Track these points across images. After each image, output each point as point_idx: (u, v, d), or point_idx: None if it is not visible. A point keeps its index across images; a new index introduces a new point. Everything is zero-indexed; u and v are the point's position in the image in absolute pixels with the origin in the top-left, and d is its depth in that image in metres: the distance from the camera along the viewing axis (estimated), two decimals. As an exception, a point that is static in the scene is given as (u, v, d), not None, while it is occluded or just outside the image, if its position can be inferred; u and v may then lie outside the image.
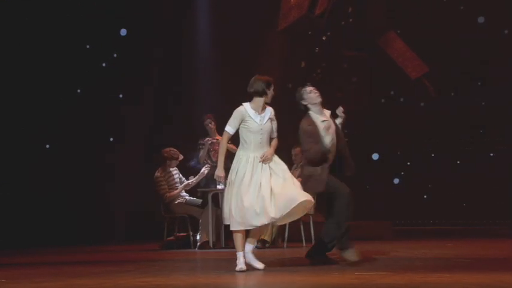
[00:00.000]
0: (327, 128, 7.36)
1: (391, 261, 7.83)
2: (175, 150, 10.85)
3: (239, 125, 7.19)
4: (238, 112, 7.17)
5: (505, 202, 13.49)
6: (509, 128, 14.02)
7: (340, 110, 7.72)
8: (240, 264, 7.03)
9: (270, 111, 7.24)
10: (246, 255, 7.12)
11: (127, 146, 12.80)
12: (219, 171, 7.25)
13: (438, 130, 14.42)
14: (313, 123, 7.43)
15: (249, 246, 7.18)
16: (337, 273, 6.58)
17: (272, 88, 7.20)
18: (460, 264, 7.34)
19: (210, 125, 10.92)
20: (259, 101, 7.17)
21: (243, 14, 13.26)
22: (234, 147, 10.87)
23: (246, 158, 7.10)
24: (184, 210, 10.77)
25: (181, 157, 10.86)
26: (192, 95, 13.51)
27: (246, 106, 7.17)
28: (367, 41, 14.40)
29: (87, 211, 12.20)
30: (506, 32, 14.30)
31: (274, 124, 7.29)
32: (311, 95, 7.51)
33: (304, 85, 7.65)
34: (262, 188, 6.96)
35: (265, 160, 7.07)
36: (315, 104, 7.52)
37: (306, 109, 7.57)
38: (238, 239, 7.11)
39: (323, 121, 7.47)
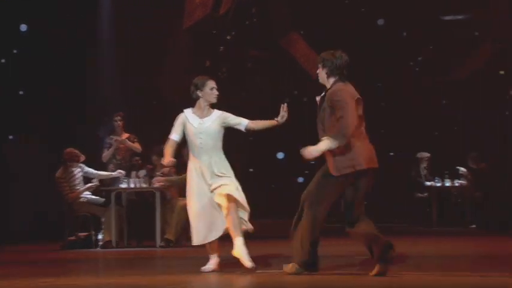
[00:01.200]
0: None
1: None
2: (76, 152, 10.65)
3: (181, 131, 6.91)
4: (177, 118, 6.95)
5: (402, 202, 13.94)
6: (407, 129, 14.45)
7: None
8: (208, 265, 6.82)
9: (216, 114, 6.92)
10: (239, 248, 6.68)
11: (29, 144, 12.53)
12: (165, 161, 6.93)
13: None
14: None
15: (239, 241, 6.71)
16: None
17: (209, 87, 6.87)
18: (358, 262, 7.49)
19: (118, 122, 10.85)
20: (197, 103, 6.94)
21: (148, 13, 13.18)
22: (137, 146, 10.85)
23: (194, 169, 6.84)
24: (86, 209, 10.63)
25: (82, 158, 10.67)
26: (97, 93, 13.34)
27: (186, 111, 6.95)
28: (271, 41, 14.55)
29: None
30: (404, 34, 14.74)
31: (231, 117, 6.95)
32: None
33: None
34: (209, 201, 6.74)
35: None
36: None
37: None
38: (206, 247, 6.88)
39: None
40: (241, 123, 6.96)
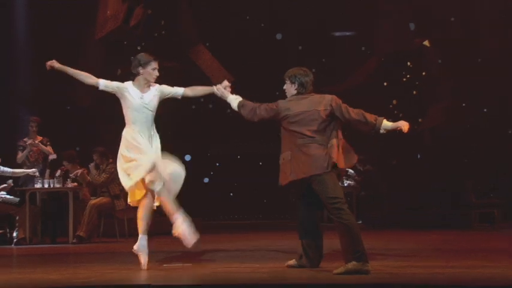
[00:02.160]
0: None
1: (195, 254, 7.96)
2: None
3: (110, 89, 6.51)
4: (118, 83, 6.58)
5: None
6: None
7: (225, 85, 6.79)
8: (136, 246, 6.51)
9: (155, 88, 6.58)
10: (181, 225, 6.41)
11: None
12: None
13: (243, 134, 14.80)
14: None
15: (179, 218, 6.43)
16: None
17: (151, 67, 6.52)
18: (256, 255, 7.58)
19: (33, 126, 10.65)
20: (137, 79, 6.57)
21: (59, 24, 12.94)
22: (49, 150, 10.64)
23: (133, 136, 6.45)
24: (1, 208, 10.36)
25: None
26: (13, 96, 13.01)
27: (127, 83, 6.57)
28: (179, 52, 14.53)
29: None
30: (300, 47, 15.01)
31: (167, 88, 6.63)
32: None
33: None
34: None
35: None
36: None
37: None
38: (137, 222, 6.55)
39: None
40: (178, 92, 6.68)
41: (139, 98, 6.50)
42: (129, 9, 13.15)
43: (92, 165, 10.55)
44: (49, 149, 10.74)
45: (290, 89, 6.37)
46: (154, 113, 6.59)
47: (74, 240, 9.96)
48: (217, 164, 15.00)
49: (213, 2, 14.35)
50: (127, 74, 13.84)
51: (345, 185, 13.65)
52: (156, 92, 6.59)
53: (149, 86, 6.58)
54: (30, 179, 10.42)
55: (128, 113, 6.53)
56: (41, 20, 13.18)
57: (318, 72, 14.95)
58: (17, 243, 10.06)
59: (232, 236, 11.12)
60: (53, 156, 10.63)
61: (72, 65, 7.01)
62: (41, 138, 10.72)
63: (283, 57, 14.55)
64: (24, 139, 10.69)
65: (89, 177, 10.46)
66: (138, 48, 14.39)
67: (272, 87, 15.02)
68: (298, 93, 6.30)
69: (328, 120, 6.16)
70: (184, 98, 6.80)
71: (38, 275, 6.18)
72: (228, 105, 6.56)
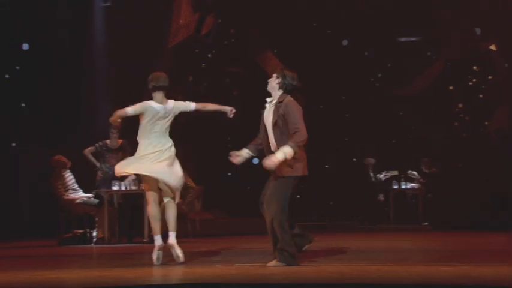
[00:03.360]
0: None
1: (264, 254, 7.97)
2: (64, 158, 10.69)
3: (137, 112, 7.04)
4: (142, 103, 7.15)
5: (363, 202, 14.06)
6: (369, 138, 14.57)
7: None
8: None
9: (172, 102, 7.14)
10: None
11: (28, 150, 12.47)
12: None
13: (309, 138, 14.75)
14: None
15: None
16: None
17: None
18: (320, 254, 7.54)
19: (114, 134, 10.75)
20: (154, 95, 7.13)
21: (135, 34, 13.17)
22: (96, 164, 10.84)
23: (151, 146, 7.05)
24: (82, 209, 10.64)
25: (68, 164, 10.69)
26: (92, 108, 13.31)
27: (149, 102, 7.12)
28: (247, 59, 14.60)
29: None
30: (366, 53, 14.88)
31: (181, 103, 7.18)
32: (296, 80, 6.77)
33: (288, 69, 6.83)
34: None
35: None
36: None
37: (293, 90, 6.70)
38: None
39: None
40: (189, 106, 7.20)
41: (159, 110, 7.03)
42: (200, 19, 13.30)
43: None
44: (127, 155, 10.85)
45: (273, 83, 6.67)
46: (169, 123, 7.11)
47: (145, 240, 10.11)
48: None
49: (280, 11, 14.36)
50: (197, 81, 14.15)
51: (408, 186, 13.49)
52: (173, 105, 7.13)
53: (166, 100, 7.11)
54: (107, 181, 10.62)
55: (148, 125, 7.04)
56: (117, 29, 13.44)
57: (384, 77, 14.98)
58: (96, 243, 10.29)
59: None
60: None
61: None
62: (122, 141, 10.83)
63: (349, 63, 14.47)
64: (106, 142, 10.85)
65: None
66: (209, 55, 14.55)
67: (338, 92, 15.03)
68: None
69: None
70: (197, 111, 7.31)
71: (115, 273, 6.29)
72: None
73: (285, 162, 6.36)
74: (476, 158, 13.89)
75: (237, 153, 6.78)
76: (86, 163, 10.87)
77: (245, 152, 6.78)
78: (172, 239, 7.01)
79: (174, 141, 7.15)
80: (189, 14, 13.50)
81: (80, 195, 10.70)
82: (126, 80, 12.93)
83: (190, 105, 7.18)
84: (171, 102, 7.11)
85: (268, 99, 6.66)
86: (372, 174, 13.87)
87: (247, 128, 14.09)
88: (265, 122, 6.62)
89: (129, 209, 10.63)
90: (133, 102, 7.26)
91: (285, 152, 6.31)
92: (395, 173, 13.51)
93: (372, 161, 13.88)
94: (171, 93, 7.36)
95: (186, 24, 13.54)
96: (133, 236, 10.58)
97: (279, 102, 6.52)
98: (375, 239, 10.24)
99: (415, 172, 13.36)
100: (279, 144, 6.42)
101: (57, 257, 8.61)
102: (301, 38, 14.48)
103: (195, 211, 10.70)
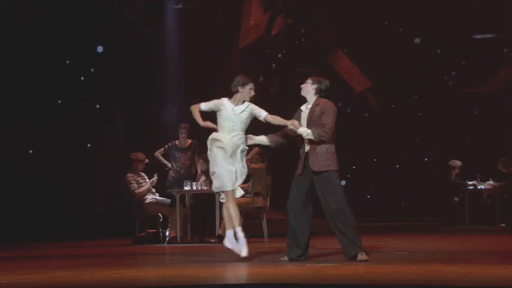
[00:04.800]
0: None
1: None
2: (141, 154, 10.84)
3: (210, 108, 7.28)
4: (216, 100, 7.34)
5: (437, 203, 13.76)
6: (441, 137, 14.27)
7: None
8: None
9: (245, 105, 7.25)
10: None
11: (104, 150, 12.70)
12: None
13: (380, 137, 14.55)
14: None
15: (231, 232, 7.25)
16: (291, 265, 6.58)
17: (249, 87, 7.23)
18: (397, 257, 7.38)
19: (183, 133, 10.88)
20: (234, 96, 7.27)
21: (206, 35, 13.24)
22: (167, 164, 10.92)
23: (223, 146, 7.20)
24: (155, 209, 10.73)
25: (146, 160, 10.83)
26: (163, 106, 13.45)
27: (224, 99, 7.29)
28: (317, 59, 14.49)
29: (68, 210, 12.05)
30: (439, 51, 14.55)
31: (255, 108, 7.25)
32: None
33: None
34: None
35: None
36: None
37: (328, 95, 7.12)
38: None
39: None
40: (261, 114, 7.24)
41: (232, 109, 7.20)
42: (270, 19, 13.28)
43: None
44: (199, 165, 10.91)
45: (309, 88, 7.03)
46: (243, 124, 7.24)
47: (212, 240, 10.12)
48: (354, 167, 14.81)
49: (351, 9, 14.20)
50: (268, 82, 14.13)
51: (483, 187, 13.14)
52: (247, 108, 7.25)
53: (242, 102, 7.25)
54: (179, 181, 10.70)
55: (220, 122, 7.26)
56: (189, 30, 13.54)
57: (458, 75, 14.63)
58: (169, 242, 10.36)
59: (371, 237, 10.90)
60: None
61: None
62: (190, 141, 10.96)
63: (422, 62, 14.18)
64: (175, 142, 10.97)
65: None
66: (279, 56, 14.50)
67: (411, 91, 14.75)
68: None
69: None
70: (266, 121, 7.30)
71: (189, 272, 6.29)
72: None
73: (327, 158, 6.75)
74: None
75: (253, 136, 7.17)
76: (157, 165, 10.98)
77: (261, 138, 7.18)
78: (239, 233, 7.18)
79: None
80: (260, 15, 13.50)
81: (152, 197, 10.77)
82: (197, 81, 13.01)
83: (262, 113, 7.25)
84: (245, 104, 7.24)
85: (303, 106, 7.01)
86: (453, 176, 13.40)
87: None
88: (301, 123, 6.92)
89: (200, 209, 10.68)
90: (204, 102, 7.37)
91: (308, 133, 6.77)
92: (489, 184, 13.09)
93: (458, 163, 13.44)
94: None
95: (256, 24, 13.55)
96: (205, 235, 10.61)
97: (316, 105, 6.88)
98: (450, 239, 9.97)
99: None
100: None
101: (131, 255, 8.69)
102: (372, 36, 14.29)
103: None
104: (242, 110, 7.22)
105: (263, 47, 14.00)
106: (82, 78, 12.77)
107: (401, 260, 7.02)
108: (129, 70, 12.85)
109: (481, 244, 9.32)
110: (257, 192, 10.38)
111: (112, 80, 12.71)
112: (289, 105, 13.71)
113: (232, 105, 7.23)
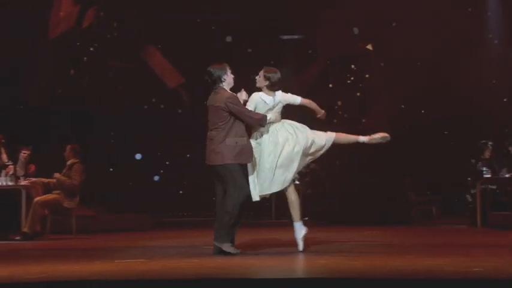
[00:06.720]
0: None
1: (146, 250, 7.82)
2: None
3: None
4: (251, 99, 7.35)
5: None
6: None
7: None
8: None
9: (279, 93, 7.33)
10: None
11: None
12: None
13: (192, 133, 14.66)
14: None
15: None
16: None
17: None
18: (207, 251, 7.46)
19: None
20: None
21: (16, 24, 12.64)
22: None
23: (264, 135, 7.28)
24: None
25: None
26: None
27: (258, 93, 7.33)
28: (130, 53, 14.31)
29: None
30: (249, 50, 14.92)
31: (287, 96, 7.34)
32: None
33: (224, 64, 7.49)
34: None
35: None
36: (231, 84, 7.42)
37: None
38: None
39: None
40: (296, 99, 7.38)
41: (271, 100, 7.28)
42: (81, 11, 12.94)
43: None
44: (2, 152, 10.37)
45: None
46: (278, 114, 7.32)
47: (17, 237, 9.68)
48: (167, 163, 14.83)
49: (164, 5, 14.17)
50: (80, 75, 13.71)
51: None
52: (281, 97, 7.34)
53: (274, 92, 7.32)
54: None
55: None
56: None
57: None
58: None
59: (183, 232, 10.97)
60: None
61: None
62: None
63: (233, 59, 14.44)
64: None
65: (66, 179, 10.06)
66: (91, 49, 14.14)
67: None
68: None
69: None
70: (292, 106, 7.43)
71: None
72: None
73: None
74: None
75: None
76: None
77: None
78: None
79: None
80: (69, 6, 13.10)
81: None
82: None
83: (297, 99, 7.38)
84: (278, 94, 7.33)
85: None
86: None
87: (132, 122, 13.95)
88: None
89: (5, 205, 10.14)
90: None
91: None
92: None
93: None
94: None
95: (66, 16, 13.12)
96: (9, 233, 10.08)
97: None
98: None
99: None
100: None
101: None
102: (186, 33, 14.36)
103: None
104: (278, 99, 7.31)
105: (74, 39, 13.58)
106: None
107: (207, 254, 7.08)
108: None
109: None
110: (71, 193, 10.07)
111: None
112: (102, 100, 13.55)
113: (269, 98, 7.26)
